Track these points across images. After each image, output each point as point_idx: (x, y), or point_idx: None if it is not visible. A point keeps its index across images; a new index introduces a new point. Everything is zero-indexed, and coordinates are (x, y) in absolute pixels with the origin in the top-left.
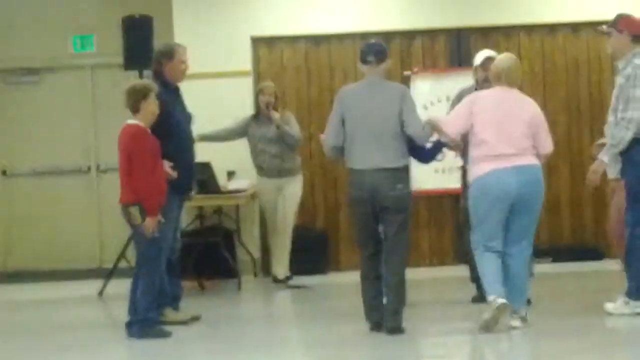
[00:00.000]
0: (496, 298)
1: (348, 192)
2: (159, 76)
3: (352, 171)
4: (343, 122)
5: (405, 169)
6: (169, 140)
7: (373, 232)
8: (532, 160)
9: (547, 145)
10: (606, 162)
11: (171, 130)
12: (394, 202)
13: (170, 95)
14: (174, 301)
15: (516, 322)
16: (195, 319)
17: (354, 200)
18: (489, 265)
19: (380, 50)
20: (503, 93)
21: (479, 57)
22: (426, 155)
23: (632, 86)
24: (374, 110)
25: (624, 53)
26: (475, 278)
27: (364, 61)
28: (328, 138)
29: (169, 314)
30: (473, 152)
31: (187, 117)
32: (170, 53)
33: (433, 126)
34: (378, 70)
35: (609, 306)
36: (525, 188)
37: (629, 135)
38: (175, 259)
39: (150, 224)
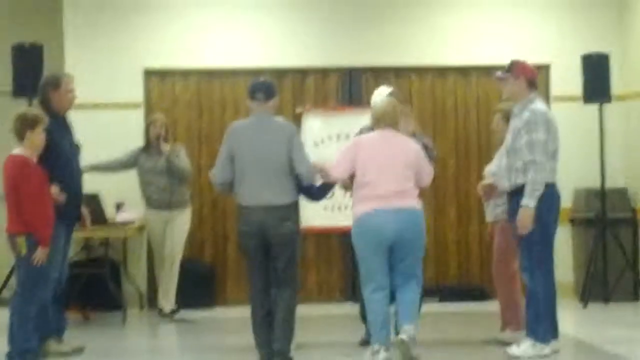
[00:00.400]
0: (380, 349)
1: (238, 227)
2: (45, 106)
3: (241, 207)
4: (232, 158)
5: (294, 206)
6: (56, 170)
7: (262, 267)
8: (412, 204)
9: (428, 176)
10: (532, 206)
11: (59, 160)
12: (282, 238)
13: (57, 125)
14: (58, 333)
15: (404, 336)
16: (78, 350)
17: (243, 235)
18: (376, 309)
19: (269, 87)
20: (384, 136)
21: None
22: (316, 193)
23: (535, 130)
24: (263, 147)
25: (519, 98)
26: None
27: (253, 98)
28: (217, 174)
29: (52, 345)
30: (356, 193)
31: (75, 147)
32: (56, 82)
33: (319, 170)
34: (266, 107)
35: (514, 350)
36: (405, 230)
37: (545, 176)
38: (62, 290)
39: (41, 255)
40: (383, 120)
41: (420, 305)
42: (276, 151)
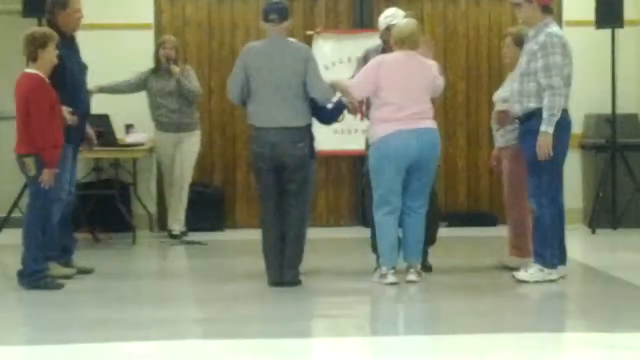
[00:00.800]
0: (388, 272)
1: (250, 148)
2: (52, 26)
3: (254, 128)
4: (247, 78)
5: (308, 128)
6: (63, 90)
7: (275, 190)
8: (431, 124)
9: (440, 88)
10: (550, 132)
11: (66, 80)
12: (295, 160)
13: (64, 45)
14: (65, 255)
15: (413, 277)
16: (86, 272)
17: (256, 156)
18: (386, 232)
19: (283, 9)
20: (407, 57)
21: (386, 19)
22: (327, 116)
23: (552, 53)
24: (278, 68)
25: (534, 22)
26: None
27: (267, 19)
28: (234, 94)
29: (54, 268)
30: (376, 114)
31: (82, 67)
32: (63, 2)
33: (339, 88)
34: (281, 28)
35: (522, 274)
36: (425, 150)
37: (562, 101)
38: (68, 212)
39: (47, 176)
40: (407, 42)
41: (436, 230)
42: (292, 73)
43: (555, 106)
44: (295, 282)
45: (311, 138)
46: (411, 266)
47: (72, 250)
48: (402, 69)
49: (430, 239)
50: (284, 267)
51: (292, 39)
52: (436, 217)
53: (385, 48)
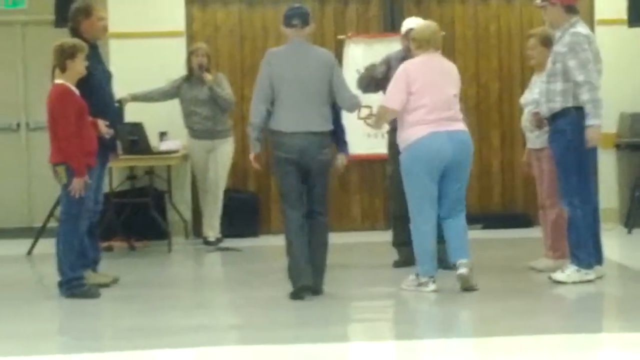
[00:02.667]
0: (429, 281)
1: (275, 154)
2: (76, 34)
3: (279, 133)
4: (272, 85)
5: (331, 134)
6: (90, 100)
7: (300, 194)
8: (462, 126)
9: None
10: (598, 124)
11: (92, 89)
12: (321, 165)
13: (89, 54)
14: (93, 264)
15: (464, 270)
16: (115, 280)
17: (282, 162)
18: (424, 241)
19: (305, 14)
20: (432, 59)
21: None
22: (341, 134)
23: (582, 50)
24: (304, 73)
25: (560, 23)
26: (398, 243)
27: (289, 25)
28: (261, 116)
29: (89, 276)
30: (407, 117)
31: (108, 76)
32: (87, 10)
33: (379, 116)
34: (303, 33)
35: (559, 275)
36: (459, 153)
37: (600, 94)
38: (95, 222)
39: (76, 185)
40: (431, 43)
41: None
42: (317, 78)
43: (596, 99)
44: (318, 290)
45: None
46: (463, 264)
47: (99, 261)
48: (430, 71)
49: None
50: (314, 274)
51: (314, 45)
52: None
53: (406, 55)
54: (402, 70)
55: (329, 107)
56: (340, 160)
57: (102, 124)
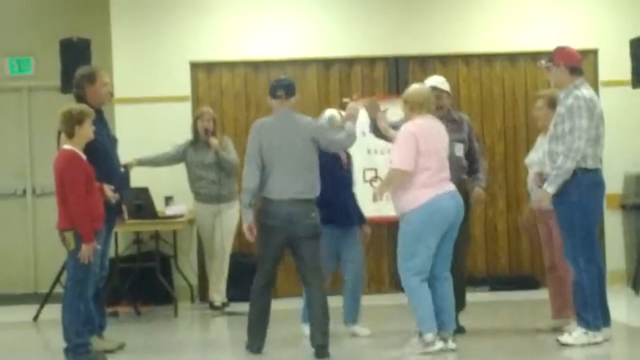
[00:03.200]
0: (435, 339)
1: (262, 221)
2: (81, 100)
3: (267, 200)
4: (260, 155)
5: (315, 200)
6: (96, 165)
7: (277, 262)
8: (454, 187)
9: None
10: (551, 192)
11: (97, 154)
12: (310, 230)
13: (94, 119)
14: (99, 329)
15: (453, 345)
16: (122, 346)
17: (268, 229)
18: (425, 298)
19: (289, 85)
20: (431, 121)
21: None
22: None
23: (577, 116)
24: (288, 144)
25: (564, 85)
26: None
27: (274, 96)
28: (253, 184)
29: (96, 342)
30: (415, 179)
31: (112, 141)
32: (91, 76)
33: (390, 179)
34: (288, 104)
35: (567, 338)
36: (458, 213)
37: (573, 164)
38: (102, 287)
39: (85, 251)
40: (425, 106)
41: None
42: (302, 147)
43: (564, 168)
44: (325, 352)
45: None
46: (447, 334)
47: (105, 327)
48: (431, 133)
49: (461, 303)
50: (315, 343)
51: (299, 114)
52: (464, 281)
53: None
54: (410, 132)
55: (314, 174)
56: (365, 230)
57: (108, 189)
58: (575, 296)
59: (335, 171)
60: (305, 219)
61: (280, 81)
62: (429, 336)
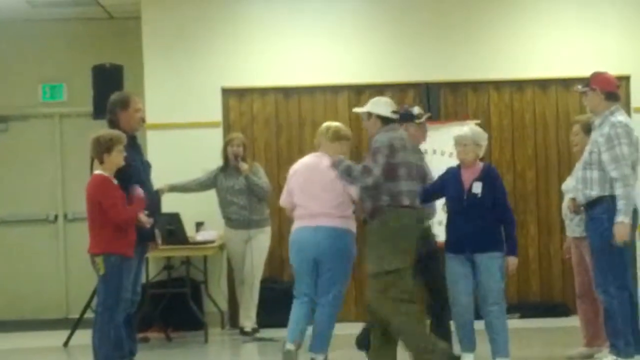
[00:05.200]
0: (287, 343)
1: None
2: (114, 126)
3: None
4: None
5: None
6: (128, 191)
7: None
8: (335, 223)
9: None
10: (627, 222)
11: (131, 180)
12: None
13: (127, 145)
14: (130, 355)
15: None
16: None
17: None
18: (293, 312)
19: None
20: (308, 158)
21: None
22: None
23: (618, 145)
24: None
25: (600, 111)
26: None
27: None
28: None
29: None
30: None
31: (146, 166)
32: (124, 102)
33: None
34: None
35: None
36: (321, 246)
37: (634, 190)
38: (133, 313)
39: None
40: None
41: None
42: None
43: (630, 195)
44: None
45: None
46: (313, 357)
47: (135, 353)
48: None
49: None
50: None
51: None
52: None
53: None
54: (295, 171)
55: None
56: None
57: (142, 214)
58: (607, 323)
59: None
60: None
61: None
62: (287, 344)
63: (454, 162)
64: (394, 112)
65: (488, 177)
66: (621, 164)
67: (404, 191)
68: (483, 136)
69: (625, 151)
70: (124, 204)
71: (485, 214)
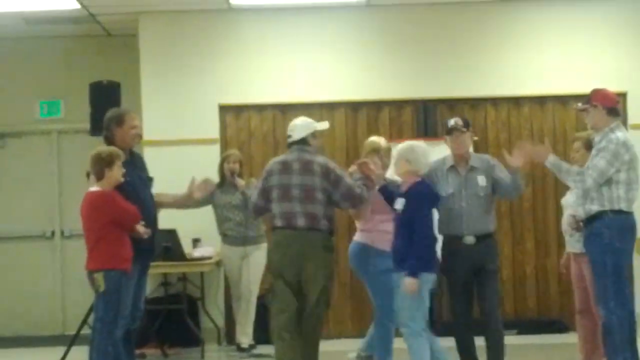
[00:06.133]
0: None
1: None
2: (110, 142)
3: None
4: None
5: None
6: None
7: None
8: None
9: None
10: (551, 161)
11: (129, 196)
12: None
13: (125, 161)
14: None
15: None
16: None
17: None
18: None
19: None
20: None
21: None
22: None
23: (602, 157)
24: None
25: (601, 127)
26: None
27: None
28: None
29: None
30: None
31: (144, 181)
32: (120, 119)
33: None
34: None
35: None
36: None
37: (577, 186)
38: (134, 329)
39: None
40: None
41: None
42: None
43: (569, 180)
44: None
45: None
46: None
47: None
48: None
49: None
50: None
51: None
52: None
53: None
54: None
55: None
56: None
57: (139, 225)
58: (606, 339)
59: None
60: None
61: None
62: None
63: None
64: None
65: (411, 193)
66: (588, 173)
67: (276, 213)
68: (411, 151)
69: (602, 165)
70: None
71: (404, 232)
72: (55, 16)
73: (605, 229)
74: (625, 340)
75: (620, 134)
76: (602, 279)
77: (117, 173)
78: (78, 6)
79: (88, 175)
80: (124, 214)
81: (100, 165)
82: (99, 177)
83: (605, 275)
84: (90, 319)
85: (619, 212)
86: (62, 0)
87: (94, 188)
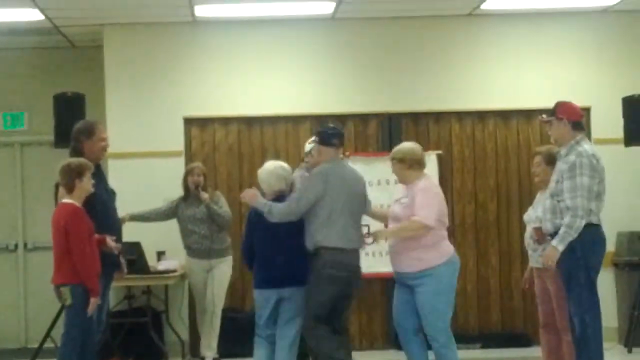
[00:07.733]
0: None
1: (328, 272)
2: (78, 154)
3: (338, 250)
4: (317, 201)
5: None
6: (95, 219)
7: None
8: None
9: None
10: (560, 250)
11: (95, 208)
12: (361, 283)
13: (93, 173)
14: None
15: None
16: None
17: (337, 280)
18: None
19: (342, 134)
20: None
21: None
22: None
23: (579, 175)
24: (353, 192)
25: (566, 140)
26: None
27: (329, 144)
28: (292, 213)
29: None
30: (438, 233)
31: (110, 194)
32: (89, 131)
33: (411, 230)
34: (339, 152)
35: None
36: None
37: (582, 222)
38: (97, 342)
39: (93, 305)
40: (423, 163)
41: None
42: (360, 197)
43: (574, 227)
44: None
45: None
46: None
47: None
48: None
49: None
50: None
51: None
52: None
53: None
54: (434, 189)
55: None
56: None
57: (110, 240)
58: (580, 353)
59: None
60: (360, 271)
61: (334, 129)
62: None
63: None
64: None
65: None
66: (577, 195)
67: None
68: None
69: (585, 182)
70: (92, 237)
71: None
72: (19, 28)
73: (577, 244)
74: (599, 352)
75: (587, 147)
76: (577, 292)
77: (87, 184)
78: (42, 17)
79: (57, 186)
80: (91, 231)
81: (71, 176)
82: (69, 188)
83: (580, 289)
84: (53, 333)
85: (589, 225)
86: (26, 12)
87: (67, 200)
